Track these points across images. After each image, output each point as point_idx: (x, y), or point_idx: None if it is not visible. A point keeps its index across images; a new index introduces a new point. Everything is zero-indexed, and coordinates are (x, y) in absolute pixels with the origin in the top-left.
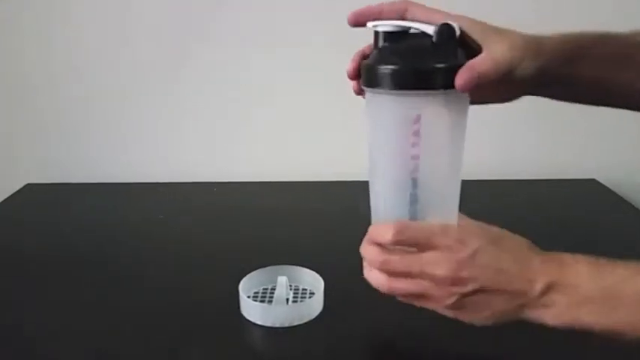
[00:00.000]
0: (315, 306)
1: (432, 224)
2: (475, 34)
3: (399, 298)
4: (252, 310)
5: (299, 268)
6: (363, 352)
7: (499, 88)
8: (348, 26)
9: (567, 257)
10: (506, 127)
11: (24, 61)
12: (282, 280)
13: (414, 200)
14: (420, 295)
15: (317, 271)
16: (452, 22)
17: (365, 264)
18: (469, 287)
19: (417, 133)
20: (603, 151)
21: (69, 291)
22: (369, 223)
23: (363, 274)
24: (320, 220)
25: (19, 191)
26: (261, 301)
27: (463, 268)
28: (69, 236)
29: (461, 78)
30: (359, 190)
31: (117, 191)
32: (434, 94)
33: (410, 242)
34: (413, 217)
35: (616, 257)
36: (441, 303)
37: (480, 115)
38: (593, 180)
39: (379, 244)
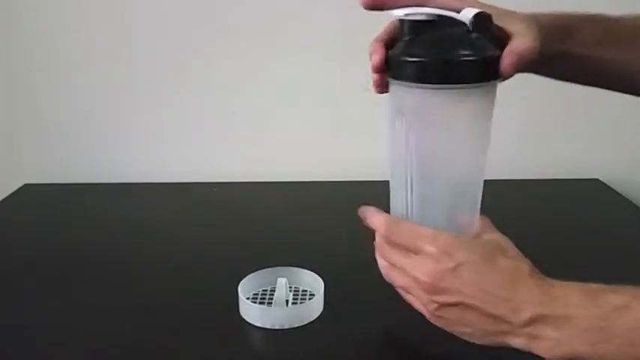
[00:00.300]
0: (315, 307)
1: (424, 228)
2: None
3: (396, 288)
4: (252, 312)
5: (299, 269)
6: (364, 353)
7: None
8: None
9: (559, 287)
10: (508, 127)
11: (24, 61)
12: (282, 282)
13: (425, 199)
14: (408, 291)
15: (317, 273)
16: (477, 9)
17: None
18: (448, 299)
19: (449, 126)
20: (606, 150)
21: (67, 291)
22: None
23: (362, 276)
24: (320, 222)
25: (16, 191)
26: (261, 303)
27: (443, 279)
28: (67, 236)
29: (507, 62)
30: (360, 191)
31: (115, 191)
32: (479, 86)
33: (398, 242)
34: (422, 216)
35: (619, 257)
36: (425, 307)
37: None
38: (596, 180)
39: None
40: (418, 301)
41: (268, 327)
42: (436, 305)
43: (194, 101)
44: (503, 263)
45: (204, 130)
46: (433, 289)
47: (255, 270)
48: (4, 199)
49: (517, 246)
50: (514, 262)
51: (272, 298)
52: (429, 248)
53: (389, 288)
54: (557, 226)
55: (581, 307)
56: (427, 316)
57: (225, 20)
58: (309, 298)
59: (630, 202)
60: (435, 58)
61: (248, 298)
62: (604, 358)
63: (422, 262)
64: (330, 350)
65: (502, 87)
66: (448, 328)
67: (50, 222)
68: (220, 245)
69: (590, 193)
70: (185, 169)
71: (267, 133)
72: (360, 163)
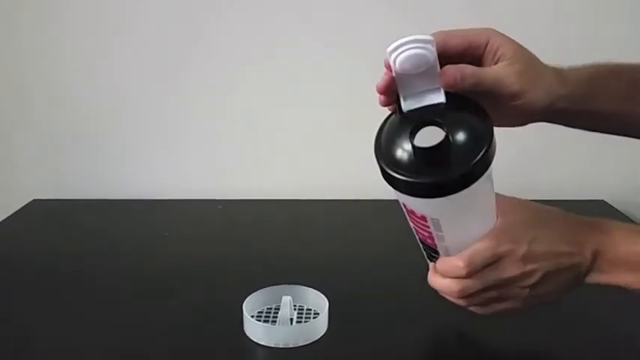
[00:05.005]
0: (319, 326)
1: (484, 240)
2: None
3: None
4: (256, 330)
5: (303, 287)
6: None
7: (510, 111)
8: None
9: (604, 223)
10: (514, 147)
11: (30, 76)
12: (287, 300)
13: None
14: (497, 300)
15: (321, 291)
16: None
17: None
18: (535, 277)
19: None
20: (612, 172)
21: (73, 306)
22: (375, 243)
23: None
24: (325, 240)
25: (25, 207)
26: (265, 321)
27: (527, 262)
28: (75, 252)
29: (448, 73)
30: (364, 210)
31: (123, 208)
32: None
33: (480, 263)
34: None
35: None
36: (517, 299)
37: None
38: (601, 201)
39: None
40: (509, 300)
41: (272, 345)
42: (528, 290)
43: (200, 118)
44: (553, 222)
45: (209, 147)
46: (522, 277)
47: (260, 288)
48: (12, 214)
49: None
50: (557, 216)
51: (276, 317)
52: (502, 248)
53: (392, 307)
54: None
55: (624, 241)
56: (519, 306)
57: (228, 33)
58: (314, 317)
59: (636, 223)
60: (423, 179)
61: (252, 317)
62: None
63: (505, 264)
64: None
65: None
66: (538, 302)
67: (58, 237)
68: (225, 263)
69: (596, 214)
70: (190, 187)
71: (273, 153)
72: (366, 183)
